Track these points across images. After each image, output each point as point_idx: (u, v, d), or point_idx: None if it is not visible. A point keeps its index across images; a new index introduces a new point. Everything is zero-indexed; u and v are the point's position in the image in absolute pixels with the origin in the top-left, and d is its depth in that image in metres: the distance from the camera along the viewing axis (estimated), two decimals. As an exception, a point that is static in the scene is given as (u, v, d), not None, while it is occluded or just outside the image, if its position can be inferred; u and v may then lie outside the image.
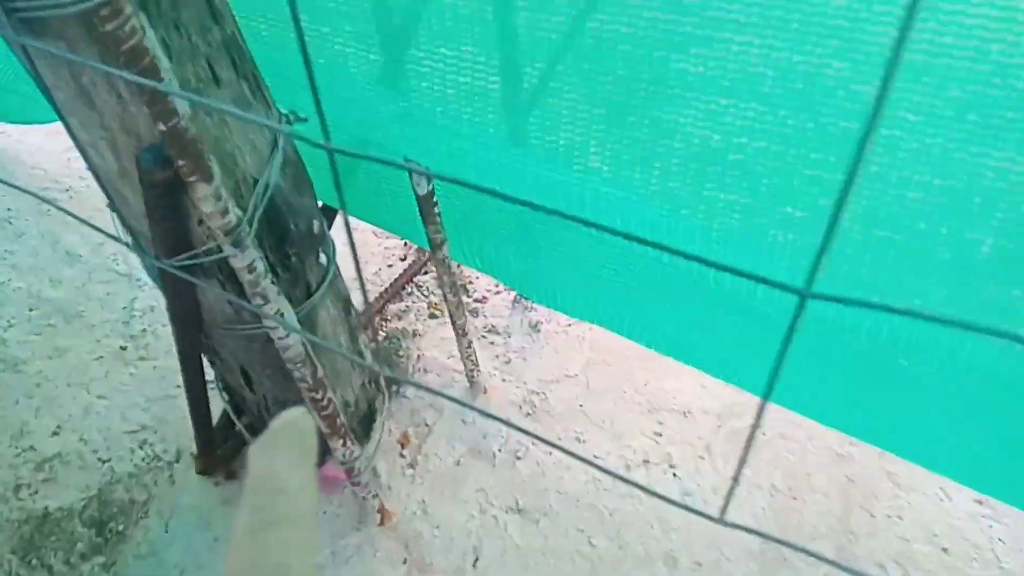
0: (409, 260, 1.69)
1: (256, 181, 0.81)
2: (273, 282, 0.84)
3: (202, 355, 1.01)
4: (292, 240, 0.89)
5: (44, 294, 1.63)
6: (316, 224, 0.93)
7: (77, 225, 1.82)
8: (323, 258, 0.97)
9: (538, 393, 1.42)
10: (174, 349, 1.51)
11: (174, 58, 0.68)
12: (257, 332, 0.93)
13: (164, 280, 0.85)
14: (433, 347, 1.48)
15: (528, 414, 1.38)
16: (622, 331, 1.11)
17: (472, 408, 0.39)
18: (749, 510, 1.25)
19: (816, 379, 0.93)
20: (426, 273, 1.65)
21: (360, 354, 1.14)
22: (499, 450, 1.33)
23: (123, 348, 1.51)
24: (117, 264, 1.70)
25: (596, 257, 0.97)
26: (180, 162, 0.68)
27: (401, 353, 1.44)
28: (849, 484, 1.29)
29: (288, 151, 0.86)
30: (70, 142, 2.06)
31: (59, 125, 2.00)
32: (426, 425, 1.36)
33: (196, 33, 0.69)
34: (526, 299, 1.56)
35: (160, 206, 0.75)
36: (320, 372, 0.95)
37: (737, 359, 1.04)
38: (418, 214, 1.00)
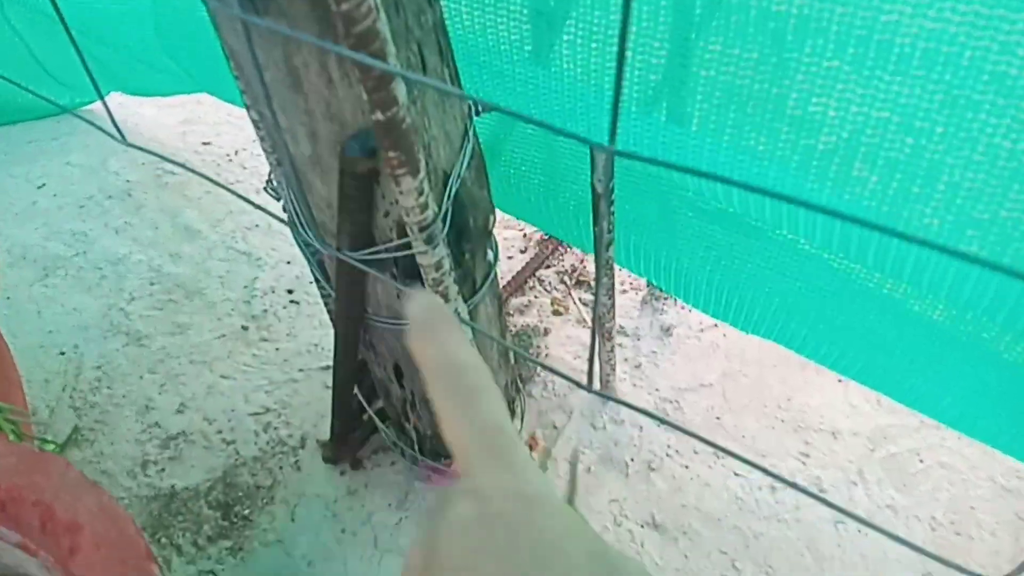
0: (530, 253, 1.62)
1: (445, 174, 0.75)
2: (455, 280, 0.78)
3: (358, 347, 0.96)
4: (469, 236, 0.83)
5: (165, 269, 1.63)
6: (491, 219, 0.87)
7: (196, 199, 1.82)
8: (490, 255, 0.91)
9: (671, 402, 1.34)
10: (295, 332, 1.49)
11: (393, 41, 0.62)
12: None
13: (339, 272, 0.81)
14: (559, 346, 1.42)
15: (660, 424, 1.31)
16: (786, 342, 1.02)
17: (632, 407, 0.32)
18: (908, 545, 1.15)
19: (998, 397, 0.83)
20: (548, 267, 1.58)
21: (507, 356, 1.09)
22: (631, 459, 1.26)
23: (244, 328, 1.49)
24: (236, 242, 1.69)
25: (778, 263, 0.88)
26: (391, 153, 0.63)
27: (531, 352, 1.38)
28: (1019, 522, 1.18)
29: (475, 142, 0.80)
30: (185, 115, 2.06)
31: (172, 99, 2.00)
32: (554, 427, 1.30)
33: (412, 15, 0.64)
34: (657, 300, 1.48)
35: (355, 197, 0.70)
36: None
37: (903, 372, 0.94)
38: (587, 211, 0.93)
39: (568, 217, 0.99)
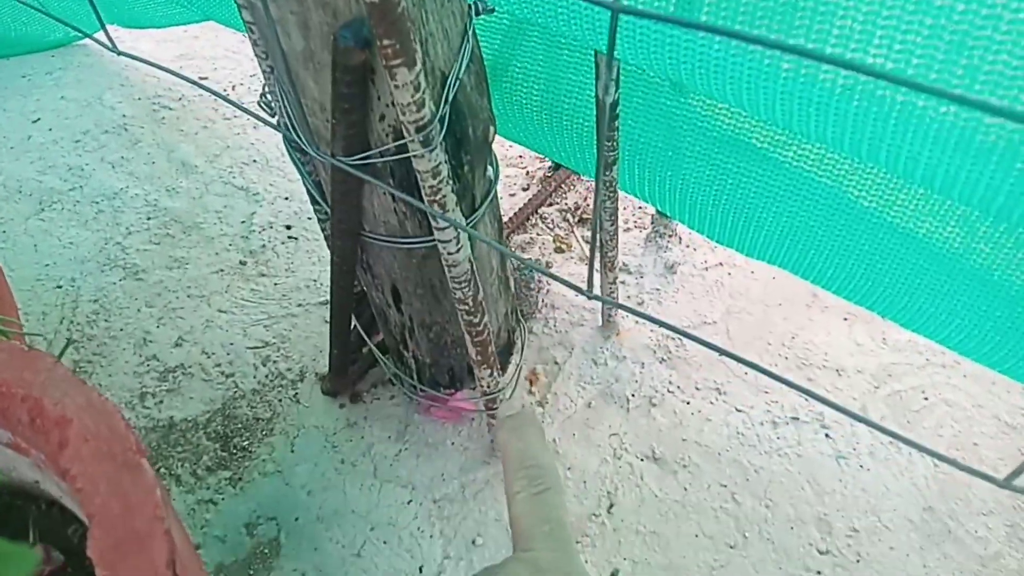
0: (532, 191, 1.59)
1: (443, 75, 0.72)
2: (453, 190, 0.76)
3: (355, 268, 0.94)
4: (468, 146, 0.80)
5: (161, 203, 1.60)
6: (492, 131, 0.84)
7: (193, 135, 1.78)
8: (490, 171, 0.89)
9: (673, 338, 1.33)
10: (293, 268, 1.47)
11: (388, -84, 0.58)
12: (418, 247, 0.86)
13: (333, 181, 0.78)
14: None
15: (663, 360, 1.29)
16: (794, 268, 1.00)
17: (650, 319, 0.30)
18: (910, 479, 1.14)
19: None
20: (551, 205, 1.55)
21: (508, 282, 1.07)
22: (632, 395, 1.25)
23: (243, 263, 1.47)
24: (233, 177, 1.66)
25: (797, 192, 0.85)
26: (386, 41, 0.59)
27: (532, 286, 1.36)
28: (1022, 458, 1.17)
29: (475, 44, 0.77)
30: (181, 49, 2.02)
31: (169, 33, 1.95)
32: (555, 363, 1.29)
33: None
34: (662, 238, 1.45)
35: (349, 95, 0.67)
36: (482, 294, 0.87)
37: (909, 296, 0.92)
38: (591, 132, 0.90)
39: (571, 139, 0.96)
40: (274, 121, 0.89)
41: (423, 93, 0.65)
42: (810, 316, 1.35)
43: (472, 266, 0.83)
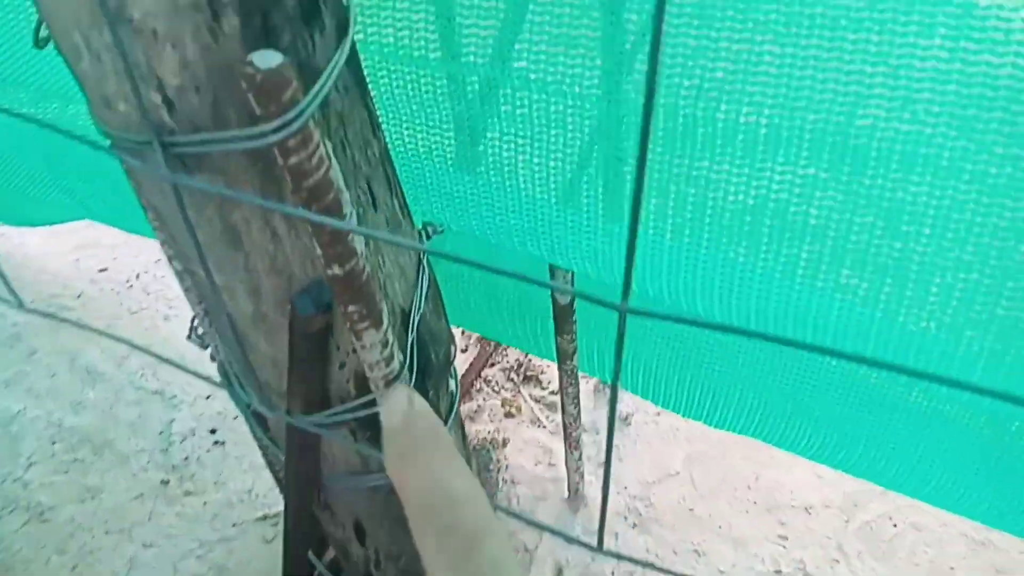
0: (471, 352, 1.55)
1: (404, 312, 0.68)
2: (424, 429, 0.70)
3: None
4: (431, 372, 0.76)
5: (66, 422, 1.45)
6: (453, 350, 0.80)
7: (96, 337, 1.65)
8: (451, 384, 0.84)
9: (641, 499, 1.28)
10: (223, 480, 1.35)
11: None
12: (384, 482, 0.79)
13: (289, 437, 0.71)
14: (518, 453, 1.34)
15: (634, 525, 1.24)
16: (741, 429, 0.99)
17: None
18: (902, 620, 1.12)
19: (944, 464, 0.82)
20: (492, 365, 1.51)
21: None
22: (612, 573, 1.18)
23: (164, 482, 1.33)
24: (146, 380, 1.54)
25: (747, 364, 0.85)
26: (351, 307, 0.55)
27: (492, 466, 1.29)
28: (999, 575, 1.17)
29: (430, 271, 0.74)
30: (77, 240, 1.90)
31: (62, 225, 1.83)
32: (526, 550, 1.21)
33: (359, 150, 0.58)
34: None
35: (307, 358, 0.61)
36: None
37: (856, 447, 0.93)
38: (548, 322, 0.88)
39: (524, 327, 0.94)
40: (208, 354, 0.82)
41: (391, 347, 0.60)
42: (770, 453, 1.35)
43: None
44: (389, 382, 0.62)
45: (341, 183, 0.51)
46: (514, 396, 1.45)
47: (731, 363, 0.85)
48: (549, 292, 0.82)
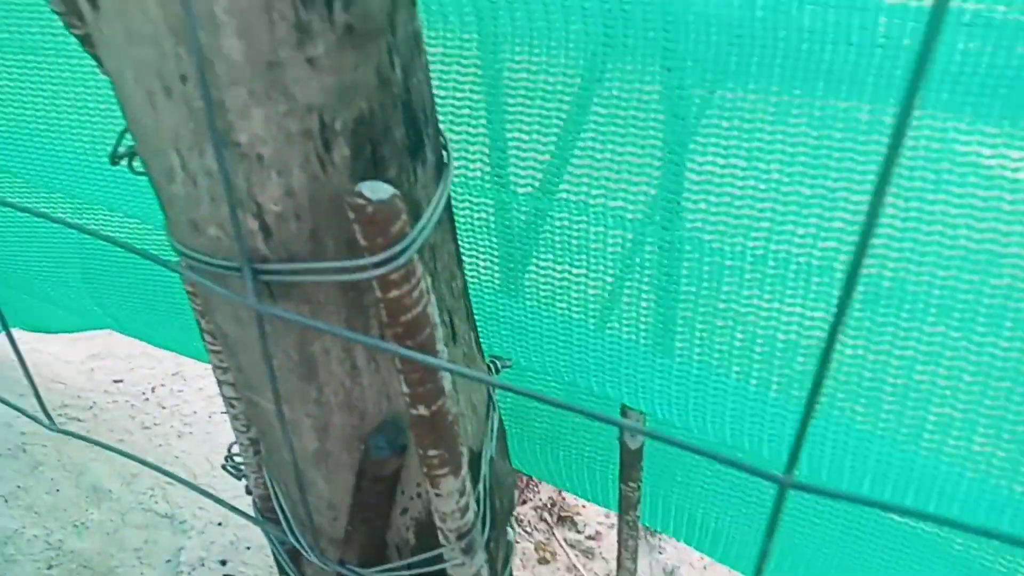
0: (501, 485, 1.47)
1: (473, 453, 0.63)
2: (487, 586, 0.63)
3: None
4: (495, 522, 0.69)
5: (67, 544, 1.35)
6: (515, 495, 0.73)
7: (106, 454, 1.57)
8: (511, 533, 0.77)
9: (689, 657, 1.16)
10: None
11: (430, 317, 0.52)
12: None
13: (339, 587, 0.64)
14: (554, 601, 1.23)
15: None
16: None
17: None
18: None
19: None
20: (524, 503, 1.42)
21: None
22: None
23: (169, 617, 1.22)
24: (155, 502, 1.45)
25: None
26: (431, 451, 0.50)
27: (527, 617, 1.18)
28: None
29: (497, 407, 0.69)
30: (93, 349, 1.85)
31: (79, 333, 1.79)
32: None
33: (445, 283, 0.55)
34: (653, 535, 1.33)
35: (374, 504, 0.55)
36: None
37: None
38: (613, 468, 0.81)
39: (584, 472, 0.87)
40: (243, 486, 0.76)
41: (467, 496, 0.54)
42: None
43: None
44: (462, 535, 0.56)
45: (437, 318, 0.47)
46: (547, 539, 1.35)
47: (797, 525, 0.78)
48: (618, 436, 0.77)
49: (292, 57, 0.39)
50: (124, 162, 0.56)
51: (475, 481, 0.61)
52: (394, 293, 0.43)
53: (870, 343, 0.53)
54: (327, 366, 0.50)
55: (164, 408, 1.73)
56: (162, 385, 1.80)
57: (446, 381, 0.49)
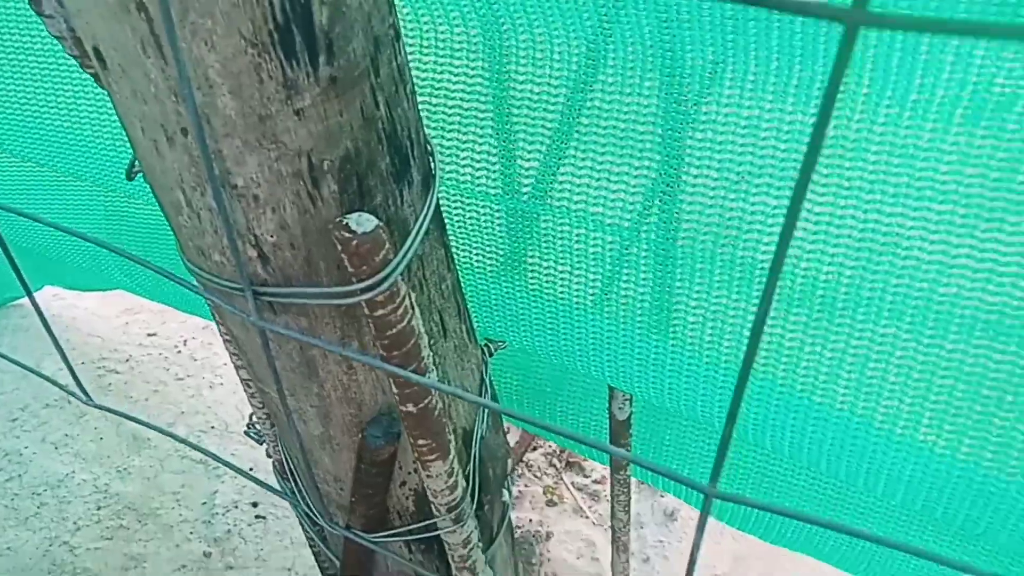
0: (514, 434, 1.55)
1: (466, 432, 0.69)
2: (480, 547, 0.70)
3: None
4: (487, 488, 0.76)
5: (112, 488, 1.48)
6: (509, 463, 0.80)
7: (143, 401, 1.69)
8: (505, 495, 0.84)
9: (685, 597, 1.25)
10: (264, 555, 1.35)
11: (418, 322, 0.57)
12: (435, 590, 0.79)
13: (346, 550, 0.72)
14: (559, 545, 1.32)
15: (678, 625, 1.21)
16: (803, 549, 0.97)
17: None
18: None
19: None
20: (535, 449, 1.51)
21: (520, 586, 0.99)
22: (654, 674, 1.15)
23: (207, 555, 1.34)
24: (191, 449, 1.56)
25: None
26: (420, 441, 0.56)
27: (534, 560, 1.28)
28: None
29: (492, 389, 0.75)
30: (126, 304, 1.94)
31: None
32: (566, 645, 1.18)
33: (434, 287, 0.59)
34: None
35: (373, 484, 0.62)
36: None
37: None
38: (605, 434, 0.88)
39: (577, 430, 0.94)
40: (264, 451, 0.84)
41: (456, 475, 0.61)
42: (817, 554, 1.31)
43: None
44: (452, 508, 0.63)
45: (421, 329, 0.52)
46: (556, 483, 1.44)
47: (780, 481, 0.84)
48: (607, 405, 0.83)
49: (281, 110, 0.43)
50: (140, 176, 0.61)
51: (466, 458, 0.68)
52: (380, 312, 0.48)
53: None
54: (326, 366, 0.56)
55: (196, 360, 1.83)
56: (193, 338, 1.90)
57: (432, 377, 0.54)
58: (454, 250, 0.76)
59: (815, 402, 0.62)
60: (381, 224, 0.46)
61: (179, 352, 1.85)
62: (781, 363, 0.62)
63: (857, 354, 0.59)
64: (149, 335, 1.91)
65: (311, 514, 0.73)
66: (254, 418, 0.82)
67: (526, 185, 0.69)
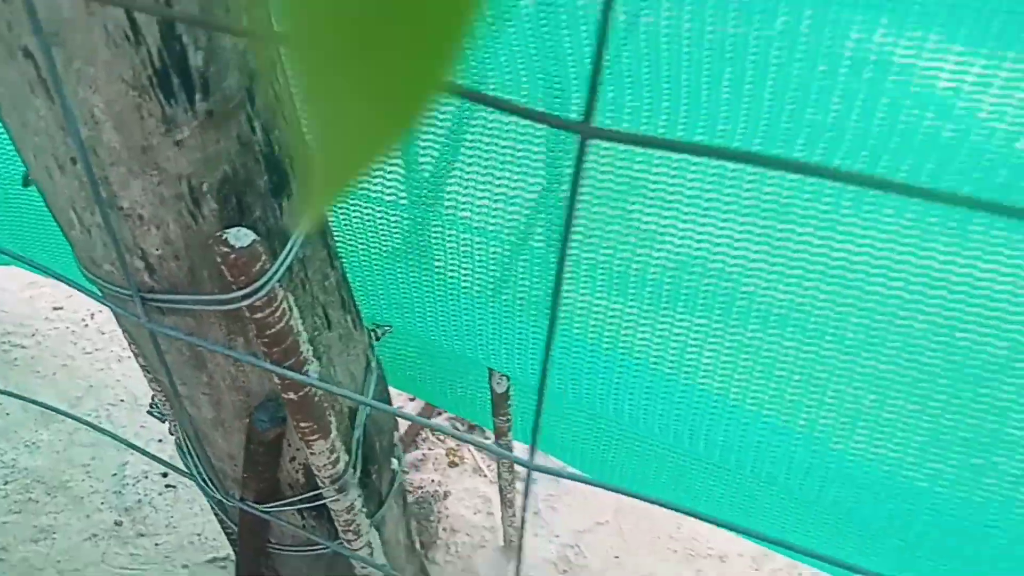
0: (419, 402, 1.64)
1: (351, 411, 0.77)
2: (363, 509, 0.79)
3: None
4: (374, 458, 0.84)
5: (20, 462, 1.49)
6: (395, 435, 0.89)
7: (51, 376, 1.69)
8: (395, 463, 0.93)
9: (572, 547, 1.38)
10: (174, 522, 1.40)
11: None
12: (325, 551, 0.87)
13: (242, 521, 0.79)
14: (458, 502, 1.43)
15: (564, 571, 1.34)
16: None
17: None
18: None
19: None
20: (440, 414, 1.60)
21: (413, 545, 1.09)
22: (541, 616, 1.28)
23: (118, 524, 1.38)
24: (100, 422, 1.58)
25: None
26: (303, 424, 0.64)
27: (432, 517, 1.38)
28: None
29: (379, 370, 0.83)
30: (29, 278, 1.91)
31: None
32: (463, 595, 1.30)
33: (317, 284, 0.66)
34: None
35: (263, 461, 0.70)
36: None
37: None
38: (487, 404, 0.97)
39: (466, 401, 1.03)
40: (166, 428, 0.89)
41: (338, 451, 0.69)
42: (690, 505, 1.46)
43: (382, 552, 0.86)
44: (335, 480, 0.71)
45: (300, 327, 0.59)
46: (458, 446, 1.54)
47: (650, 449, 0.96)
48: (488, 381, 0.92)
49: (162, 142, 0.49)
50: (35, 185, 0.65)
51: (349, 435, 0.76)
52: (259, 315, 0.55)
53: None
54: (213, 359, 0.63)
55: (104, 334, 1.83)
56: (100, 311, 1.89)
57: (311, 371, 0.62)
58: (350, 246, 0.82)
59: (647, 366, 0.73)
60: (257, 239, 0.53)
61: (86, 326, 1.84)
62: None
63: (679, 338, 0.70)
64: (55, 309, 1.89)
65: (208, 488, 0.80)
66: (156, 399, 0.87)
67: (417, 193, 0.77)
